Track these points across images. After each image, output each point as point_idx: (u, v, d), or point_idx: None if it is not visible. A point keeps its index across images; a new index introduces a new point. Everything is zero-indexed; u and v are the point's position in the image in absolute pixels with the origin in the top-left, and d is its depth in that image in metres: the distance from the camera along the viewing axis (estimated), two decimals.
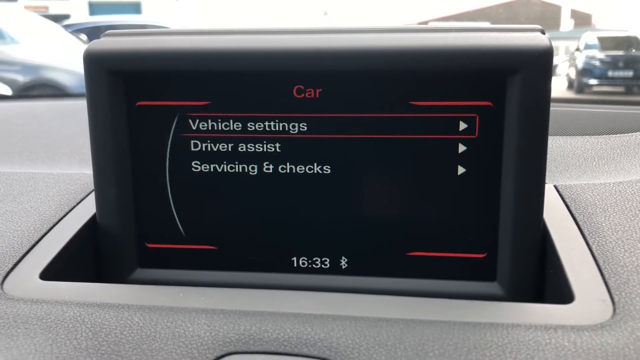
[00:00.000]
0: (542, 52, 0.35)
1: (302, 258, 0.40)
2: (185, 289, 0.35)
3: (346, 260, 0.39)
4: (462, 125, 0.37)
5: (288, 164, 0.38)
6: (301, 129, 0.38)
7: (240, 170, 0.39)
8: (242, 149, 0.38)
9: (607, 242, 0.36)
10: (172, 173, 0.39)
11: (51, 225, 0.41)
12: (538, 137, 0.36)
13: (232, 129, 0.38)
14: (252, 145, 0.38)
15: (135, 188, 0.40)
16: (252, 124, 0.38)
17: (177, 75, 0.38)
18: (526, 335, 0.30)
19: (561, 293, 0.34)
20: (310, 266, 0.40)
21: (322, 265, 0.40)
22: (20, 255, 0.38)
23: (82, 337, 0.30)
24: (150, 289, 0.35)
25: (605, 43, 8.90)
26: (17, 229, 0.40)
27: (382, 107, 0.37)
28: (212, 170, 0.39)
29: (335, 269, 0.39)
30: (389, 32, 0.37)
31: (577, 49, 9.00)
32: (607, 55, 8.42)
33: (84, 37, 5.20)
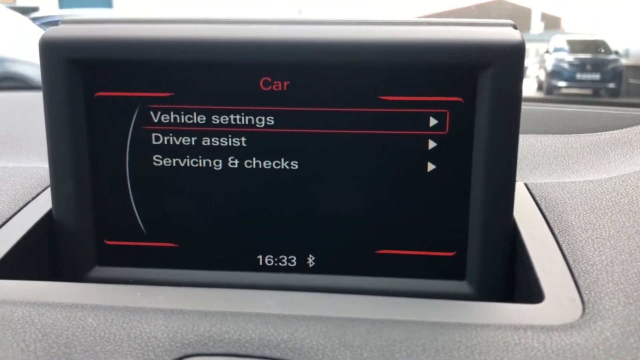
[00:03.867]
0: (513, 46, 0.34)
1: (268, 256, 0.38)
2: (143, 288, 0.34)
3: (313, 258, 0.38)
4: (432, 121, 0.36)
5: (254, 159, 0.37)
6: (268, 123, 0.37)
7: (204, 165, 0.37)
8: (206, 142, 0.37)
9: (577, 240, 0.36)
10: (133, 167, 0.38)
11: (3, 221, 0.39)
12: (509, 133, 0.35)
13: (195, 121, 0.37)
14: (217, 139, 0.37)
15: (93, 183, 0.38)
16: (217, 117, 0.37)
17: (139, 65, 0.36)
18: (495, 336, 0.29)
19: (531, 292, 0.34)
20: (276, 264, 0.38)
21: (289, 264, 0.38)
22: None
23: (31, 339, 0.29)
24: (106, 287, 0.34)
25: (574, 46, 9.06)
26: None
27: (351, 102, 0.36)
28: (174, 164, 0.37)
29: (302, 268, 0.38)
30: (358, 24, 0.36)
31: (547, 52, 9.15)
32: (576, 58, 8.57)
33: None
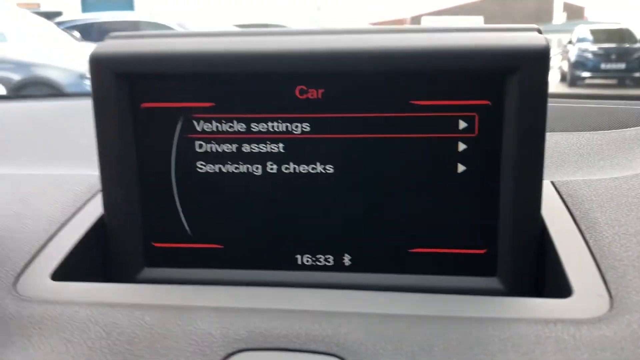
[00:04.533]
0: (539, 51, 0.35)
1: (306, 255, 0.40)
2: (194, 287, 0.36)
3: (349, 257, 0.40)
4: (462, 124, 0.37)
5: (291, 163, 0.39)
6: (304, 129, 0.38)
7: (245, 171, 0.39)
8: (246, 149, 0.39)
9: (604, 237, 0.37)
10: (178, 173, 0.40)
11: (59, 226, 0.42)
12: (536, 135, 0.36)
13: (236, 129, 0.39)
14: (256, 145, 0.39)
15: (141, 188, 0.40)
16: (256, 124, 0.39)
17: (182, 77, 0.38)
18: (527, 330, 0.30)
19: (560, 287, 0.35)
20: (314, 263, 0.40)
21: (326, 263, 0.40)
22: (31, 256, 0.38)
23: (96, 337, 0.31)
24: (160, 288, 0.36)
25: (598, 36, 8.93)
26: (27, 230, 0.41)
27: (383, 107, 0.38)
28: (217, 170, 0.40)
29: (338, 266, 0.40)
30: (389, 32, 0.38)
31: (570, 42, 9.02)
32: (600, 48, 8.45)
33: (77, 34, 5.18)
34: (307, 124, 0.38)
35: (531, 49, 0.35)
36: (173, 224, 0.41)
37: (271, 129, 0.39)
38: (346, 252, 0.40)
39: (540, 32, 0.37)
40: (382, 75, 0.37)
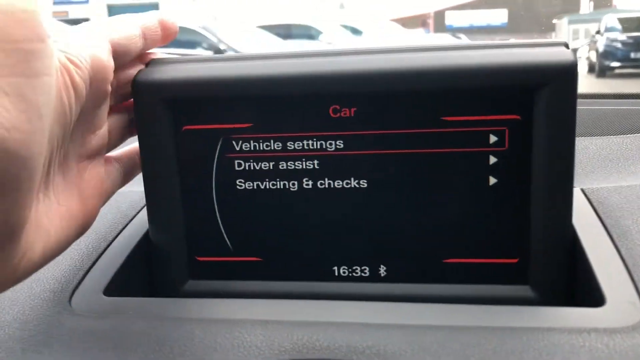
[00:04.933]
0: (567, 66, 0.36)
1: (343, 267, 0.42)
2: (240, 301, 0.38)
3: (385, 268, 0.42)
4: (493, 138, 0.39)
5: (326, 179, 0.41)
6: (338, 147, 0.40)
7: (282, 187, 0.41)
8: (282, 166, 0.41)
9: (636, 245, 0.38)
10: (218, 191, 0.42)
11: (108, 242, 0.44)
12: (565, 147, 0.37)
13: (273, 148, 0.41)
14: (292, 163, 0.41)
15: (184, 206, 0.42)
16: (292, 143, 0.40)
17: (222, 101, 0.40)
18: (561, 339, 0.32)
19: (592, 296, 0.36)
20: (350, 275, 0.42)
21: (362, 274, 0.42)
22: (83, 272, 0.41)
23: (149, 350, 0.33)
24: (207, 302, 0.38)
25: (627, 24, 8.74)
26: (77, 247, 0.43)
27: (415, 123, 0.39)
28: (255, 187, 0.41)
29: (374, 277, 0.42)
30: (419, 51, 0.39)
31: (598, 32, 8.86)
32: (629, 37, 8.28)
33: None
34: (341, 141, 0.40)
35: (559, 65, 0.36)
36: (215, 239, 0.43)
37: (306, 147, 0.40)
38: (382, 264, 0.42)
39: (567, 46, 0.38)
40: (413, 94, 0.39)
